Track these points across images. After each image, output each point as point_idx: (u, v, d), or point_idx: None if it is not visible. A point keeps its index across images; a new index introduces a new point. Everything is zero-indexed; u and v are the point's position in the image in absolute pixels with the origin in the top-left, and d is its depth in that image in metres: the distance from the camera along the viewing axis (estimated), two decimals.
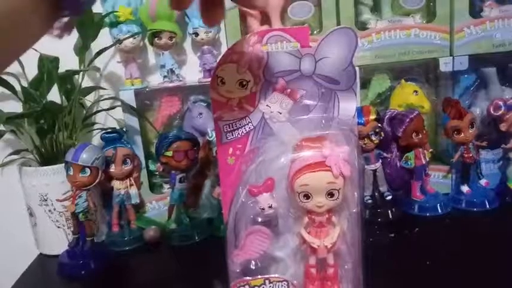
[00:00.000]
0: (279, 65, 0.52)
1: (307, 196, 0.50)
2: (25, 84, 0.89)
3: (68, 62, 0.90)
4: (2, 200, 0.99)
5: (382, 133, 0.87)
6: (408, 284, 0.66)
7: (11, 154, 0.90)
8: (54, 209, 0.87)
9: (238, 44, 0.51)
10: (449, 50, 0.91)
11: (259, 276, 0.53)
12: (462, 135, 0.88)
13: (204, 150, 0.88)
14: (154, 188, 0.99)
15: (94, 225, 0.85)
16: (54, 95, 0.90)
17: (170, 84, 0.95)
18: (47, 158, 0.89)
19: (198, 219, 0.90)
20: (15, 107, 0.91)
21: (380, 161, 0.90)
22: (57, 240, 0.88)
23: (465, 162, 0.90)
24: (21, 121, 0.89)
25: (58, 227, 0.88)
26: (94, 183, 0.81)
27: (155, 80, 1.00)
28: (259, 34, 0.50)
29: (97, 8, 0.91)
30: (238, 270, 0.54)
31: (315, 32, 0.94)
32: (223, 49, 0.99)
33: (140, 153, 0.94)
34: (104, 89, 0.99)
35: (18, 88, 0.88)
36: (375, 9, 0.97)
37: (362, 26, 0.94)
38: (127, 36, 0.91)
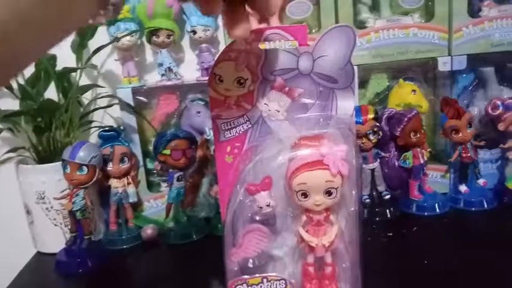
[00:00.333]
0: (277, 63, 0.52)
1: (305, 195, 0.50)
2: (22, 81, 0.89)
3: (66, 59, 0.90)
4: None
5: (380, 132, 0.87)
6: (406, 283, 0.66)
7: (8, 152, 0.90)
8: (52, 207, 0.87)
9: (236, 42, 0.51)
10: (447, 49, 0.91)
11: (257, 275, 0.53)
12: (460, 134, 0.88)
13: (201, 149, 0.88)
14: (151, 186, 0.99)
15: (92, 224, 0.85)
16: (51, 92, 0.90)
17: (168, 83, 0.95)
18: (44, 156, 0.89)
19: (196, 217, 0.90)
20: (12, 104, 0.91)
21: (378, 160, 0.90)
22: (55, 239, 0.87)
23: (463, 162, 0.90)
24: (18, 119, 0.89)
25: (55, 225, 0.88)
26: (91, 182, 0.81)
27: (153, 78, 1.00)
28: (257, 32, 0.50)
29: None
30: (236, 269, 0.54)
31: (313, 30, 0.94)
32: (221, 47, 0.99)
33: (138, 151, 0.94)
34: (102, 87, 0.99)
35: (15, 86, 0.88)
36: (374, 8, 0.97)
37: (361, 25, 0.94)
38: (124, 34, 0.90)
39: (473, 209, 0.89)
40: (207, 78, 0.90)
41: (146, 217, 0.94)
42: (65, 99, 0.90)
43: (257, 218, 0.53)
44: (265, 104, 0.54)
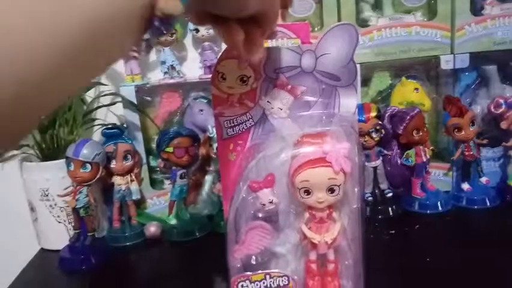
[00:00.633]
0: (280, 61, 0.53)
1: (308, 192, 0.50)
2: None
3: None
4: (3, 195, 0.99)
5: (383, 130, 0.87)
6: (408, 281, 0.66)
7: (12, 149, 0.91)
8: (55, 204, 0.87)
9: None
10: (450, 47, 0.91)
11: (260, 272, 0.53)
12: (463, 133, 0.88)
13: (204, 147, 0.88)
14: (154, 184, 0.99)
15: (95, 221, 0.85)
16: None
17: (171, 81, 0.95)
18: (48, 153, 0.89)
19: (199, 215, 0.90)
20: None
21: (381, 158, 0.90)
22: (58, 235, 0.88)
23: (466, 160, 0.90)
24: None
25: (59, 222, 0.88)
26: (95, 179, 0.82)
27: (156, 76, 1.00)
28: None
29: None
30: (238, 266, 0.54)
31: (316, 29, 0.94)
32: (224, 45, 0.98)
33: (141, 149, 0.94)
34: (105, 85, 0.99)
35: None
36: (376, 6, 0.97)
37: (363, 23, 0.94)
38: None
39: (476, 207, 0.89)
40: (209, 76, 0.91)
41: (150, 214, 0.94)
42: (68, 97, 0.90)
43: (260, 215, 0.53)
44: (268, 101, 0.54)
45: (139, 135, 0.94)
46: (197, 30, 0.95)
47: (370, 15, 0.94)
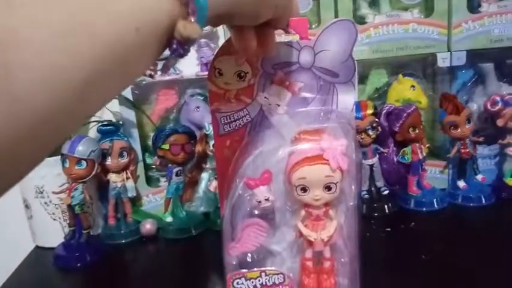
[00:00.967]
0: (278, 57, 0.52)
1: (304, 189, 0.50)
2: None
3: None
4: None
5: (379, 128, 0.87)
6: (403, 278, 0.66)
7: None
8: (50, 201, 0.87)
9: None
10: (446, 45, 0.91)
11: (255, 269, 0.53)
12: (459, 130, 0.88)
13: (200, 144, 0.88)
14: (150, 181, 0.98)
15: (90, 218, 0.85)
16: None
17: (168, 78, 0.95)
18: None
19: (195, 212, 0.90)
20: None
21: (377, 155, 0.90)
22: (53, 233, 0.87)
23: (462, 158, 0.90)
24: None
25: (54, 220, 0.88)
26: (90, 176, 0.81)
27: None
28: None
29: None
30: (234, 263, 0.54)
31: (313, 26, 0.94)
32: (221, 42, 0.98)
33: (137, 146, 0.93)
34: None
35: None
36: (373, 3, 0.97)
37: (360, 20, 0.94)
38: None
39: (472, 204, 0.89)
40: (206, 73, 0.90)
41: (145, 212, 0.94)
42: None
43: (256, 213, 0.53)
44: (265, 97, 0.54)
45: (135, 132, 0.94)
46: None
47: (367, 12, 0.94)
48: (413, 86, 0.93)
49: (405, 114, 0.86)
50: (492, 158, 0.96)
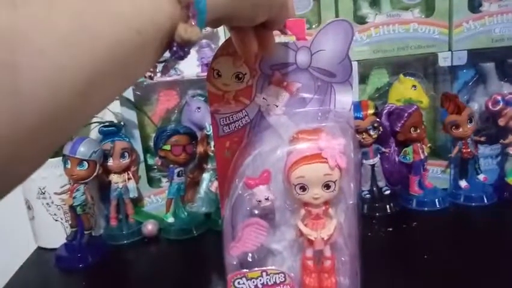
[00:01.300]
0: (275, 58, 0.52)
1: (303, 188, 0.50)
2: None
3: None
4: None
5: (380, 128, 0.87)
6: (405, 278, 0.66)
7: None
8: (52, 202, 0.87)
9: None
10: (447, 44, 0.91)
11: (256, 269, 0.53)
12: (460, 130, 0.88)
13: (202, 145, 0.88)
14: (152, 182, 0.99)
15: (92, 219, 0.85)
16: None
17: (169, 78, 0.95)
18: None
19: (196, 213, 0.90)
20: None
21: (379, 155, 0.90)
22: (55, 234, 0.87)
23: (463, 158, 0.90)
24: None
25: (56, 220, 0.88)
26: (92, 177, 0.81)
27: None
28: None
29: None
30: (234, 263, 0.54)
31: (313, 26, 0.94)
32: (221, 43, 0.98)
33: (138, 147, 0.94)
34: None
35: None
36: (374, 3, 0.97)
37: (361, 20, 0.94)
38: None
39: (473, 204, 0.89)
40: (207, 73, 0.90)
41: (147, 212, 0.94)
42: None
43: (256, 212, 0.53)
44: (263, 98, 0.54)
45: (136, 133, 0.94)
46: None
47: (368, 12, 0.94)
48: (414, 86, 0.93)
49: (406, 114, 0.86)
50: (494, 158, 0.96)
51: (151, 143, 0.93)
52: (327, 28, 0.51)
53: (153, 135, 0.93)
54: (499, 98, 0.88)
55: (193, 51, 0.99)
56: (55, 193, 0.84)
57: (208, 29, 0.94)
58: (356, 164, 0.52)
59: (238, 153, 0.55)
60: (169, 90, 0.99)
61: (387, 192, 0.90)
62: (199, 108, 0.95)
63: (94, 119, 0.97)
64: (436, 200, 0.89)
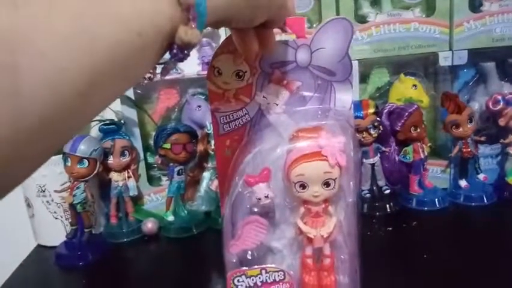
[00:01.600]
0: (275, 56, 0.52)
1: (303, 186, 0.50)
2: None
3: None
4: None
5: (381, 127, 0.87)
6: (404, 277, 0.66)
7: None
8: (52, 200, 0.87)
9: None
10: (448, 44, 0.91)
11: (256, 266, 0.53)
12: (460, 129, 0.88)
13: (202, 143, 0.88)
14: (152, 180, 0.99)
15: (92, 217, 0.85)
16: None
17: (169, 77, 0.95)
18: None
19: (196, 211, 0.90)
20: None
21: (379, 155, 0.90)
22: (55, 232, 0.87)
23: (463, 157, 0.90)
24: None
25: (56, 218, 0.88)
26: (92, 175, 0.82)
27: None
28: None
29: None
30: (234, 260, 0.54)
31: (314, 25, 0.94)
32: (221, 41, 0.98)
33: (139, 145, 0.94)
34: None
35: None
36: (375, 2, 0.97)
37: (362, 19, 0.94)
38: None
39: (473, 204, 0.89)
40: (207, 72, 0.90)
41: (147, 211, 0.94)
42: None
43: (256, 210, 0.53)
44: (263, 97, 0.54)
45: (137, 131, 0.94)
46: None
47: (368, 12, 0.94)
48: (414, 85, 0.93)
49: (406, 114, 0.86)
50: (494, 157, 0.96)
51: (151, 141, 0.93)
52: (326, 26, 0.51)
53: (153, 133, 0.93)
54: (500, 97, 0.88)
55: (193, 50, 0.99)
56: (55, 191, 0.84)
57: (209, 27, 0.94)
58: (356, 162, 0.52)
59: (239, 151, 0.55)
60: (170, 89, 0.99)
61: (387, 191, 0.90)
62: (199, 106, 0.95)
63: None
64: (436, 199, 0.89)
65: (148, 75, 0.38)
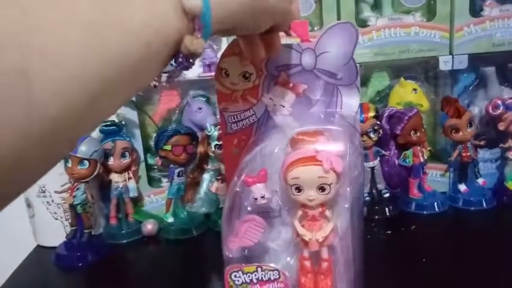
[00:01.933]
0: (281, 59, 0.53)
1: (298, 189, 0.50)
2: None
3: None
4: None
5: (380, 130, 0.87)
6: (403, 281, 0.67)
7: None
8: (53, 201, 0.87)
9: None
10: (448, 48, 0.91)
11: (252, 264, 0.54)
12: (460, 133, 0.88)
13: (202, 145, 0.88)
14: (152, 181, 0.99)
15: (92, 218, 0.85)
16: None
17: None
18: None
19: (196, 213, 0.90)
20: None
21: (378, 158, 0.90)
22: (55, 232, 0.88)
23: (463, 161, 0.90)
24: None
25: (56, 219, 0.88)
26: (92, 176, 0.82)
27: None
28: None
29: None
30: (231, 256, 0.54)
31: (315, 28, 0.94)
32: (223, 44, 0.99)
33: (139, 146, 0.94)
34: None
35: None
36: (376, 6, 0.97)
37: (362, 23, 0.94)
38: None
39: (472, 208, 0.89)
40: (208, 74, 0.91)
41: (147, 212, 0.94)
42: None
43: (254, 209, 0.54)
44: (270, 98, 0.54)
45: (137, 133, 0.94)
46: None
47: (369, 15, 0.94)
48: (414, 89, 0.93)
49: (406, 117, 0.86)
50: (493, 162, 0.96)
51: (152, 143, 0.93)
52: (331, 30, 0.52)
53: (154, 135, 0.93)
54: (499, 102, 0.89)
55: None
56: (55, 191, 0.84)
57: None
58: (360, 167, 0.52)
59: (245, 151, 0.56)
60: (171, 91, 0.99)
61: (387, 195, 0.91)
62: (200, 108, 0.95)
63: None
64: (435, 203, 0.89)
65: (154, 82, 0.38)
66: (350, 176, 0.51)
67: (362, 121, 0.85)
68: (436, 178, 0.96)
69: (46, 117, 0.23)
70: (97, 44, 0.25)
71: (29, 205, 0.90)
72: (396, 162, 0.90)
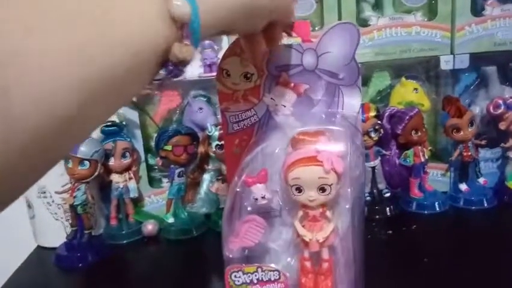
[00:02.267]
0: (282, 59, 0.53)
1: (299, 189, 0.50)
2: None
3: None
4: None
5: (381, 130, 0.87)
6: (404, 281, 0.66)
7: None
8: (53, 201, 0.87)
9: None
10: (450, 48, 0.91)
11: (253, 264, 0.54)
12: (461, 133, 0.88)
13: (203, 145, 0.88)
14: (152, 182, 0.99)
15: (92, 218, 0.85)
16: None
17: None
18: None
19: (196, 213, 0.90)
20: None
21: (379, 158, 0.90)
22: (55, 233, 0.87)
23: (464, 161, 0.90)
24: None
25: (56, 220, 0.88)
26: (93, 176, 0.82)
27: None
28: None
29: None
30: (231, 256, 0.54)
31: (316, 28, 0.94)
32: (224, 44, 0.98)
33: (140, 147, 0.94)
34: None
35: None
36: (377, 6, 0.97)
37: (364, 23, 0.94)
38: None
39: (473, 207, 0.88)
40: (209, 74, 0.91)
41: (147, 212, 0.94)
42: None
43: (254, 209, 0.53)
44: (271, 98, 0.54)
45: (138, 133, 0.94)
46: None
47: (370, 15, 0.94)
48: (415, 89, 0.93)
49: (407, 117, 0.86)
50: (494, 161, 0.96)
51: (153, 143, 0.93)
52: (333, 30, 0.51)
53: (155, 135, 0.93)
54: (501, 101, 0.88)
55: (196, 52, 0.99)
56: (56, 192, 0.84)
57: None
58: (362, 167, 0.52)
59: (246, 151, 0.56)
60: (171, 91, 0.99)
61: (388, 194, 0.90)
62: (201, 108, 0.95)
63: None
64: (436, 203, 0.89)
65: (147, 91, 0.38)
66: (351, 176, 0.51)
67: (363, 121, 0.85)
68: (437, 178, 0.95)
69: (27, 129, 0.23)
70: (81, 56, 0.25)
71: (29, 206, 0.90)
72: (397, 161, 0.90)
